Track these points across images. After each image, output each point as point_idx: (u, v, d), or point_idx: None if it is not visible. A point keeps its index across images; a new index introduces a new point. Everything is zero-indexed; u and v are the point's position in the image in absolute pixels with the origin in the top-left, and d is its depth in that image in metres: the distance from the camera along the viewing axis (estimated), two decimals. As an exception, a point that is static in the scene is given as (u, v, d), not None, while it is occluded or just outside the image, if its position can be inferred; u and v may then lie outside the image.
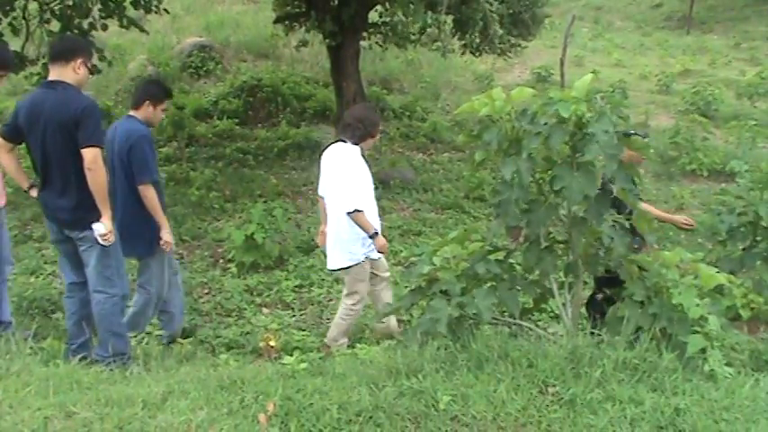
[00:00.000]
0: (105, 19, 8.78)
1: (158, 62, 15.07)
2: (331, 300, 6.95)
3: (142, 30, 9.39)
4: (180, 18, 17.67)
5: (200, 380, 3.19)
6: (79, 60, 4.27)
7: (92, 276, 4.31)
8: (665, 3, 35.13)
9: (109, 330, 4.28)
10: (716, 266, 5.42)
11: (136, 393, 2.96)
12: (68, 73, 4.24)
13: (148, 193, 4.74)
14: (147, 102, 4.96)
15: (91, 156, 4.04)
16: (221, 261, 7.77)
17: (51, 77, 4.26)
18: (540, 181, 3.43)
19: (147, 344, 4.18)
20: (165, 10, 9.37)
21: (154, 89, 5.11)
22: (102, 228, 4.13)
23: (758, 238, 5.48)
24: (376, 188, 10.16)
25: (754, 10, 32.35)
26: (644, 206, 5.79)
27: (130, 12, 9.06)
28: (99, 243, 4.17)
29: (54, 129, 4.13)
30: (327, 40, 9.91)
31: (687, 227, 5.69)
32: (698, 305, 3.35)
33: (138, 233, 4.83)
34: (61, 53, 4.25)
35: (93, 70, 4.74)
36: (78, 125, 4.07)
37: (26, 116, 4.24)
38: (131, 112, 4.99)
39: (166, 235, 4.90)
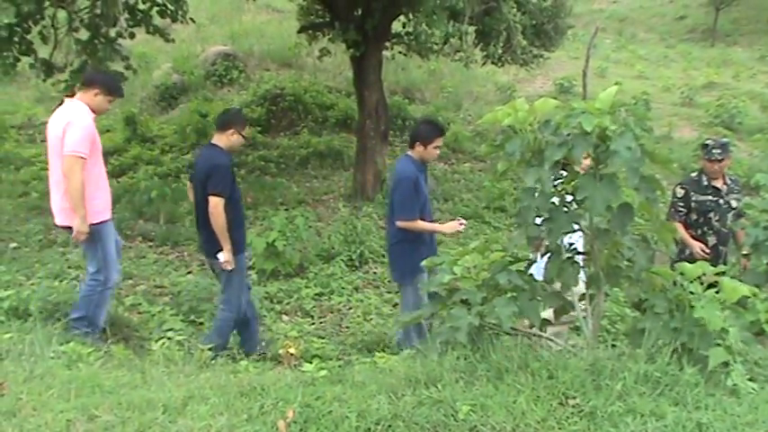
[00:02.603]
0: (132, 28, 8.89)
1: (183, 70, 15.24)
2: (350, 308, 6.98)
3: (167, 39, 9.50)
4: (205, 27, 17.86)
5: (221, 386, 3.20)
6: (232, 130, 5.27)
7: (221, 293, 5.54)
8: (689, 15, 34.92)
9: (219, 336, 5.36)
10: (740, 280, 5.38)
11: (157, 398, 2.98)
12: (223, 139, 5.27)
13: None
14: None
15: (212, 202, 5.04)
16: (242, 268, 7.80)
17: (212, 140, 5.36)
18: (563, 191, 3.41)
19: (168, 348, 4.20)
20: (192, 19, 9.47)
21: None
22: (222, 257, 5.15)
23: (784, 252, 5.41)
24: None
25: (780, 22, 32.05)
26: (674, 224, 5.82)
27: (157, 21, 9.17)
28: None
29: (199, 178, 5.20)
30: (350, 50, 9.96)
31: (702, 254, 5.66)
32: (720, 318, 3.32)
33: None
34: (220, 124, 5.32)
35: (246, 137, 5.55)
36: (209, 177, 5.08)
37: (194, 167, 5.53)
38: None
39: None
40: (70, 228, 4.87)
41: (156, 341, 4.57)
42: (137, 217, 9.17)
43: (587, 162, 3.42)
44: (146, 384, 3.36)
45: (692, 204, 5.85)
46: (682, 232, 5.80)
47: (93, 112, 4.98)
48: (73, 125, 4.76)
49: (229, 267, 5.18)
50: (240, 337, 5.66)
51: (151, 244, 8.50)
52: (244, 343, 5.62)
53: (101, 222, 4.96)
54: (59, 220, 4.99)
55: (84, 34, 8.70)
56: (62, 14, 8.88)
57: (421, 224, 5.33)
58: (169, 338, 4.67)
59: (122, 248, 8.19)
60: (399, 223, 5.28)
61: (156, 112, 14.45)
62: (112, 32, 8.63)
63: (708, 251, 5.74)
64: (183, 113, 13.51)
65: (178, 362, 3.94)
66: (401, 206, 5.28)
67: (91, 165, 4.86)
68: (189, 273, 7.65)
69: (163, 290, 7.13)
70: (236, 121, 5.38)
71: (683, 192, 5.90)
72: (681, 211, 5.88)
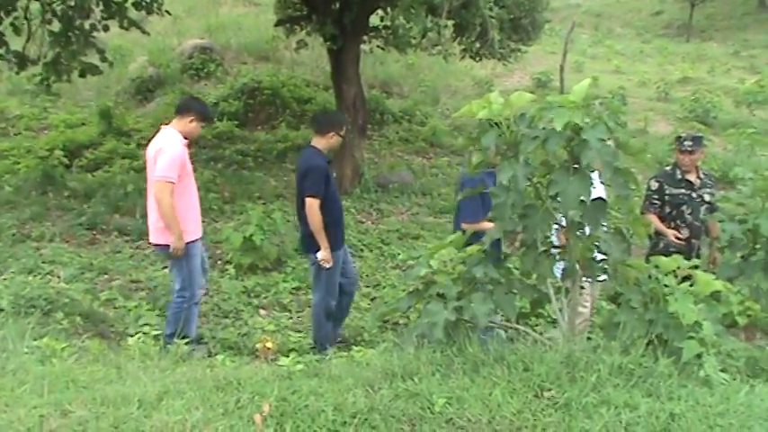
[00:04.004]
0: (107, 20, 8.80)
1: (159, 63, 15.09)
2: (328, 302, 6.96)
3: (143, 31, 9.41)
4: (181, 20, 17.71)
5: (197, 380, 3.19)
6: (332, 133, 5.50)
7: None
8: (665, 11, 35.21)
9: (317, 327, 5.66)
10: (714, 273, 5.45)
11: (132, 393, 2.96)
12: (322, 141, 5.50)
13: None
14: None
15: (309, 203, 5.28)
16: (219, 262, 7.78)
17: (312, 142, 5.57)
18: (538, 185, 3.43)
19: (143, 342, 4.18)
20: (167, 11, 9.38)
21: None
22: (320, 255, 5.39)
23: (757, 246, 5.48)
24: (375, 191, 10.27)
25: (754, 18, 32.44)
26: (647, 215, 5.88)
27: (132, 13, 9.08)
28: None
29: (298, 179, 5.48)
30: (328, 44, 9.92)
31: (677, 242, 5.75)
32: (694, 311, 3.36)
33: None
34: (319, 127, 5.54)
35: (344, 137, 5.80)
36: (305, 178, 5.33)
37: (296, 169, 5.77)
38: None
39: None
40: (161, 246, 5.24)
41: (132, 336, 4.55)
42: (112, 211, 9.06)
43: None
44: (121, 379, 3.33)
45: (666, 197, 5.92)
46: (657, 223, 5.87)
47: (186, 137, 5.27)
48: (163, 152, 5.08)
49: (327, 266, 5.43)
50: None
51: (127, 238, 8.42)
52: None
53: (190, 242, 5.26)
54: (153, 238, 5.32)
55: (57, 26, 8.59)
56: (35, 6, 8.77)
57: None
58: (145, 333, 4.65)
59: (96, 243, 8.17)
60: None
61: (132, 106, 14.29)
62: (87, 24, 8.53)
63: (682, 239, 5.81)
64: (160, 107, 13.38)
65: (154, 357, 3.92)
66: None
67: (182, 188, 5.17)
68: (165, 267, 7.56)
69: (139, 285, 7.08)
70: (336, 123, 5.63)
71: (657, 185, 5.96)
72: (655, 204, 5.95)
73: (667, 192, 5.91)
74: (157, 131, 5.40)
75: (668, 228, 5.91)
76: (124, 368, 3.55)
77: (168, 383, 3.13)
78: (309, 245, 5.49)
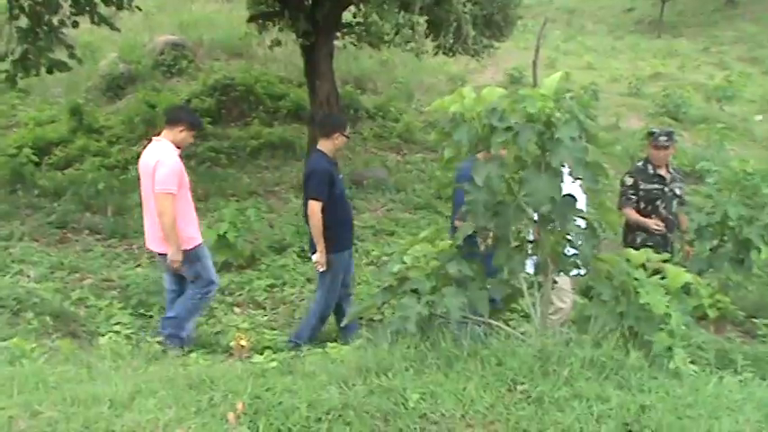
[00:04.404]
0: (76, 16, 8.67)
1: (130, 60, 14.93)
2: (303, 299, 6.95)
3: (113, 27, 9.28)
4: (152, 16, 17.52)
5: (169, 379, 3.17)
6: (337, 134, 5.63)
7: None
8: (637, 7, 35.50)
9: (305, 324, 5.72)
10: (684, 266, 5.52)
11: (103, 392, 2.93)
12: (327, 144, 5.63)
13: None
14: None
15: (310, 205, 5.42)
16: (192, 260, 7.71)
17: (318, 146, 5.71)
18: (510, 181, 3.45)
19: (115, 341, 4.14)
20: (138, 7, 9.26)
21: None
22: (314, 257, 5.56)
23: (725, 238, 5.57)
24: (349, 188, 10.26)
25: (723, 15, 32.84)
26: (625, 210, 5.93)
27: (102, 9, 8.95)
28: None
29: (303, 182, 5.65)
30: (301, 40, 9.88)
31: (657, 230, 5.83)
32: (664, 304, 3.40)
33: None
34: (324, 132, 5.69)
35: (349, 137, 5.98)
36: (308, 181, 5.49)
37: None
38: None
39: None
40: (162, 253, 5.35)
41: (104, 335, 4.51)
42: (83, 209, 8.97)
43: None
44: (92, 379, 3.30)
45: (641, 193, 5.97)
46: (635, 216, 5.93)
47: (178, 147, 5.38)
48: (162, 164, 5.18)
49: (321, 269, 5.55)
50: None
51: (99, 237, 8.34)
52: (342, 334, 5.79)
53: (196, 246, 5.39)
54: (154, 246, 5.44)
55: (25, 22, 8.45)
56: (1, 2, 8.62)
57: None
58: (117, 332, 4.61)
59: (66, 242, 8.08)
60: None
61: (103, 103, 14.12)
62: (55, 20, 8.41)
63: (661, 225, 5.85)
64: (131, 104, 13.24)
65: (126, 356, 3.89)
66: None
67: (179, 197, 5.26)
68: (138, 266, 7.52)
69: (111, 283, 7.00)
70: (339, 125, 5.74)
71: (631, 180, 6.01)
72: (632, 198, 5.98)
73: (642, 187, 5.96)
74: (148, 143, 5.48)
75: (633, 220, 5.97)
76: (95, 368, 3.51)
77: (140, 382, 3.10)
78: (314, 245, 5.59)
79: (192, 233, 5.39)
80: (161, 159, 5.20)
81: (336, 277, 5.68)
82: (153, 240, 5.41)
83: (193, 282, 5.44)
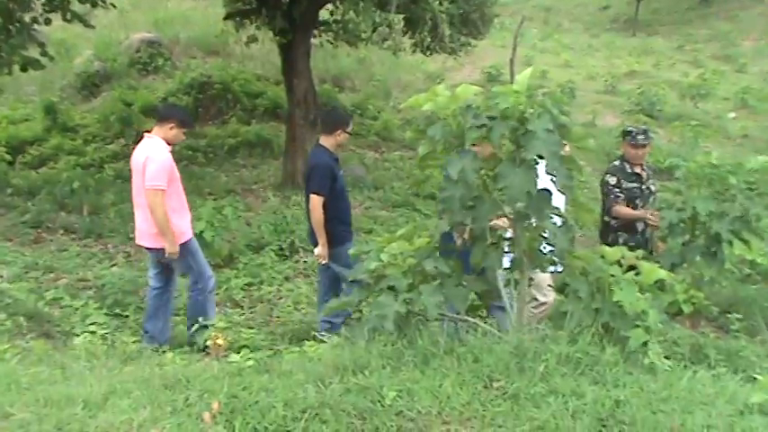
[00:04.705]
0: (49, 13, 8.57)
1: (105, 58, 14.78)
2: (281, 298, 6.93)
3: (87, 24, 9.18)
4: (128, 13, 17.36)
5: (144, 379, 3.14)
6: (339, 131, 5.67)
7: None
8: (612, 5, 35.80)
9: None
10: (657, 262, 5.56)
11: (76, 393, 2.90)
12: (330, 140, 5.67)
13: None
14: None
15: (312, 200, 5.47)
16: (169, 260, 7.66)
17: (320, 141, 5.74)
18: (485, 177, 3.46)
19: (89, 342, 4.10)
20: (112, 5, 9.18)
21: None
22: (316, 251, 5.64)
23: (696, 233, 5.62)
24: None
25: (697, 13, 33.23)
26: (618, 208, 5.91)
27: (75, 6, 8.85)
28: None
29: (305, 177, 5.75)
30: (278, 38, 9.84)
31: (653, 223, 5.82)
32: (639, 300, 3.42)
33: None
34: (327, 126, 5.73)
35: (351, 133, 5.96)
36: (310, 176, 5.54)
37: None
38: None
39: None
40: (156, 249, 5.41)
41: (79, 336, 4.47)
42: (58, 209, 8.87)
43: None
44: (66, 380, 3.26)
45: (624, 192, 5.96)
46: (629, 211, 5.90)
47: (169, 144, 5.45)
48: (151, 160, 5.24)
49: (322, 261, 5.64)
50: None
51: (74, 236, 8.25)
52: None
53: (186, 241, 5.45)
54: (143, 241, 5.50)
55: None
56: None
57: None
58: (92, 333, 4.57)
59: (41, 242, 7.99)
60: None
61: (78, 101, 13.98)
62: (27, 17, 8.30)
63: (657, 215, 5.83)
64: (107, 102, 13.12)
65: (101, 356, 3.85)
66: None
67: (171, 192, 5.33)
68: (114, 265, 7.46)
69: (86, 283, 6.94)
70: (342, 121, 5.77)
71: (615, 179, 5.96)
72: (620, 196, 5.92)
73: (624, 186, 5.96)
74: (140, 140, 5.53)
75: (625, 222, 5.95)
76: (69, 368, 3.48)
77: (115, 383, 3.07)
78: (315, 239, 5.67)
79: (183, 228, 5.46)
80: (150, 155, 5.26)
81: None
82: (142, 236, 5.47)
83: (194, 282, 5.56)
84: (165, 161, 5.29)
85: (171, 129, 5.45)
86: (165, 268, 5.59)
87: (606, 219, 6.06)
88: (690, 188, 5.78)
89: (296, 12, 9.49)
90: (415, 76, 17.74)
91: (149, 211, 5.25)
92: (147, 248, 5.52)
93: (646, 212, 5.85)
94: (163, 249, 5.34)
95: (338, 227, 5.64)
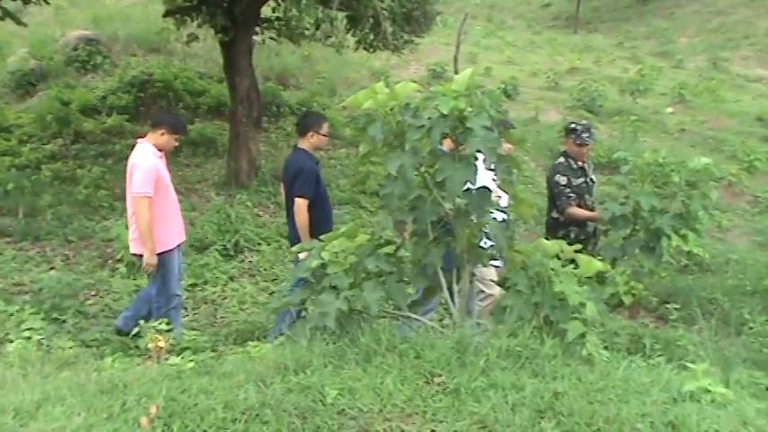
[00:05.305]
0: (-22, 10, 8.28)
1: (41, 56, 14.37)
2: (225, 298, 6.86)
3: (19, 22, 8.89)
4: (64, 10, 16.93)
5: (80, 384, 3.06)
6: (311, 133, 5.77)
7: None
8: (554, 3, 36.41)
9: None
10: (599, 254, 5.67)
11: (8, 402, 2.81)
12: (305, 142, 5.79)
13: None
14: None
15: (298, 203, 5.53)
16: (110, 261, 7.52)
17: (298, 144, 5.86)
18: (426, 175, 3.47)
19: (25, 349, 3.98)
20: (47, 1, 8.92)
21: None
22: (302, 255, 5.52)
23: (637, 227, 5.75)
24: (272, 184, 10.16)
25: (635, 11, 34.03)
26: (571, 210, 5.98)
27: (6, 3, 8.58)
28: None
29: (287, 180, 5.75)
30: (219, 35, 9.71)
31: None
32: (577, 292, 3.48)
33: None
34: (300, 130, 5.86)
35: (326, 135, 6.00)
36: (295, 180, 5.57)
37: (283, 170, 5.94)
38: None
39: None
40: (138, 255, 5.44)
41: (13, 342, 4.33)
42: (-8, 212, 8.61)
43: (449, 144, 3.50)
44: (-3, 388, 3.16)
45: (574, 190, 6.04)
46: (582, 212, 5.98)
47: (160, 150, 5.49)
48: (137, 167, 5.29)
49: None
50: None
51: (9, 239, 8.00)
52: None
53: (165, 252, 5.45)
54: (131, 247, 5.55)
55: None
56: None
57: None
58: (28, 338, 4.44)
59: None
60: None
61: (13, 101, 13.55)
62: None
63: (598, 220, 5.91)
64: (43, 101, 12.74)
65: (35, 362, 3.74)
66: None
67: (158, 199, 5.35)
68: (51, 268, 7.26)
69: (22, 287, 6.74)
70: (313, 123, 5.84)
71: (564, 179, 6.00)
72: (571, 197, 5.98)
73: (573, 184, 6.03)
74: (135, 146, 5.56)
75: (581, 216, 6.03)
76: (1, 376, 3.37)
77: (49, 390, 2.99)
78: (296, 241, 5.53)
79: (166, 239, 5.46)
80: (137, 162, 5.31)
81: None
82: (131, 242, 5.53)
83: (156, 294, 5.54)
84: (151, 168, 5.29)
85: (162, 135, 5.48)
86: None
87: (555, 215, 6.13)
88: (633, 183, 5.92)
89: (237, 9, 9.36)
90: (361, 74, 17.72)
91: (135, 217, 5.28)
92: (132, 254, 5.60)
93: (597, 214, 5.90)
94: (142, 256, 5.35)
95: (321, 230, 5.48)
